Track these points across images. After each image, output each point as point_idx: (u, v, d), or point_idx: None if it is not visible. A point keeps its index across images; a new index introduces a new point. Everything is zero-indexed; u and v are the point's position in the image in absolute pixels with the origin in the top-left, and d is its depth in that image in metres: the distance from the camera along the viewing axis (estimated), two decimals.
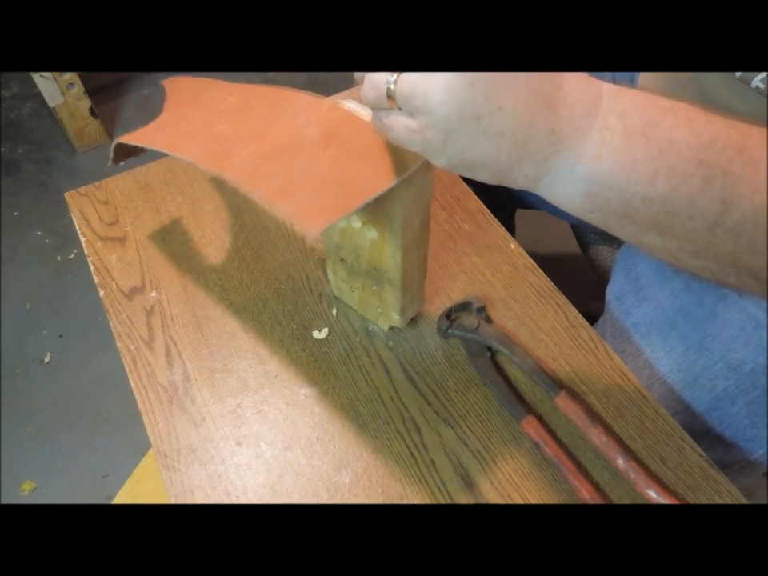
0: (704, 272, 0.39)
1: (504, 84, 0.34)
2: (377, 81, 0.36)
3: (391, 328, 0.59)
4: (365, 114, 0.46)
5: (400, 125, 0.37)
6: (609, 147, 0.35)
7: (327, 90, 0.51)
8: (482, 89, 0.34)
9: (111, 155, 0.55)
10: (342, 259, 0.57)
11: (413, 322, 0.60)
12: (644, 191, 0.35)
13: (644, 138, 0.35)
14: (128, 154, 0.55)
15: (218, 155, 0.46)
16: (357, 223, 0.51)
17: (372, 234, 0.50)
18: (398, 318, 0.57)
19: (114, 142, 0.54)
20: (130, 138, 0.52)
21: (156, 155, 0.74)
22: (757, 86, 0.50)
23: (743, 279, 0.38)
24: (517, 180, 0.37)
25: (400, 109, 0.36)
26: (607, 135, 0.35)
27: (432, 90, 0.34)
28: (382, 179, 0.43)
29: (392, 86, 0.36)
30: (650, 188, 0.35)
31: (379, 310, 0.58)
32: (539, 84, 0.35)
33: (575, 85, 0.36)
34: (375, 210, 0.48)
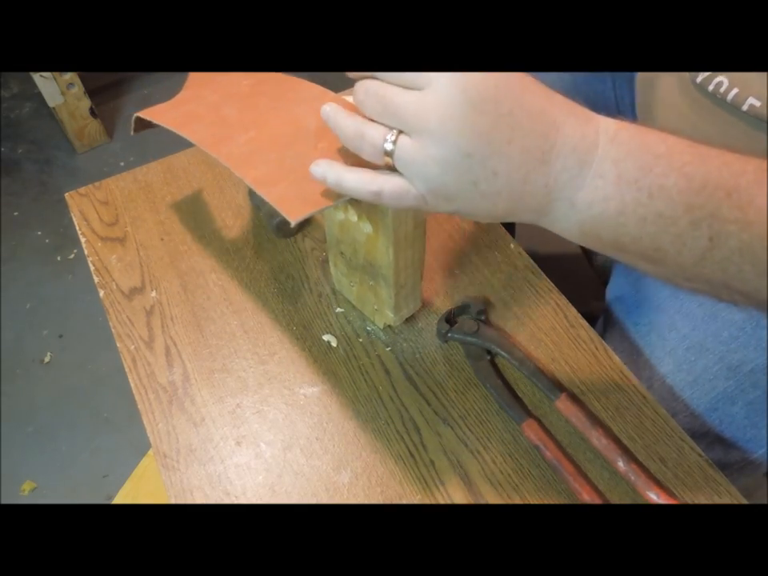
0: (698, 292, 0.41)
1: (499, 152, 0.35)
2: (374, 139, 0.37)
3: (388, 327, 0.59)
4: None
5: (401, 189, 0.38)
6: (601, 194, 0.36)
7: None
8: (479, 159, 0.35)
9: (132, 125, 0.57)
10: (341, 252, 0.57)
11: (412, 322, 0.60)
12: (633, 232, 0.37)
13: (635, 185, 0.36)
14: (147, 126, 0.57)
15: (218, 138, 0.48)
16: (353, 217, 0.51)
17: (367, 228, 0.51)
18: (392, 316, 0.57)
19: (134, 116, 0.56)
20: (148, 113, 0.55)
21: (157, 154, 0.74)
22: (751, 105, 0.51)
23: (735, 298, 0.39)
24: (518, 220, 0.40)
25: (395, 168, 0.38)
26: (600, 183, 0.36)
27: (431, 162, 0.35)
28: None
29: (390, 147, 0.37)
30: (639, 229, 0.37)
31: (375, 307, 0.58)
32: (533, 144, 0.36)
33: (571, 134, 0.36)
34: (368, 204, 0.48)
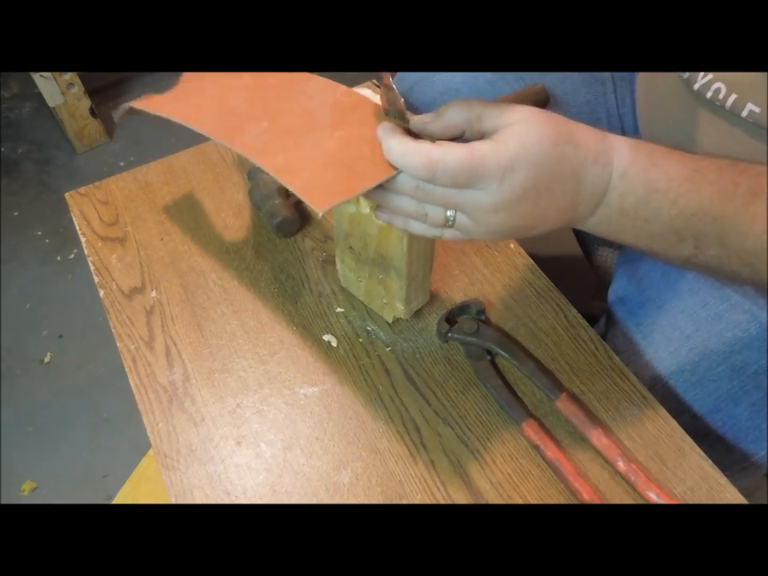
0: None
1: (539, 218, 0.43)
2: (436, 218, 0.44)
3: (396, 320, 0.59)
4: (377, 100, 0.46)
5: (450, 235, 0.45)
6: (605, 219, 0.45)
7: None
8: (522, 227, 0.44)
9: (119, 114, 0.53)
10: (350, 247, 0.57)
11: (413, 321, 0.60)
12: (630, 240, 0.46)
13: (634, 214, 0.44)
14: (133, 112, 0.53)
15: (230, 129, 0.47)
16: (366, 209, 0.51)
17: None
18: (403, 308, 0.57)
19: (127, 105, 0.52)
20: (144, 104, 0.51)
21: (157, 154, 0.74)
22: (750, 111, 0.51)
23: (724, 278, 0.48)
24: None
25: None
26: (605, 211, 0.44)
27: (483, 232, 0.43)
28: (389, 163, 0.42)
29: (450, 222, 0.43)
30: (634, 239, 0.46)
31: (384, 301, 0.58)
32: (564, 202, 0.43)
33: (591, 186, 0.43)
34: None
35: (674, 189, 0.43)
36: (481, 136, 0.43)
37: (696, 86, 0.55)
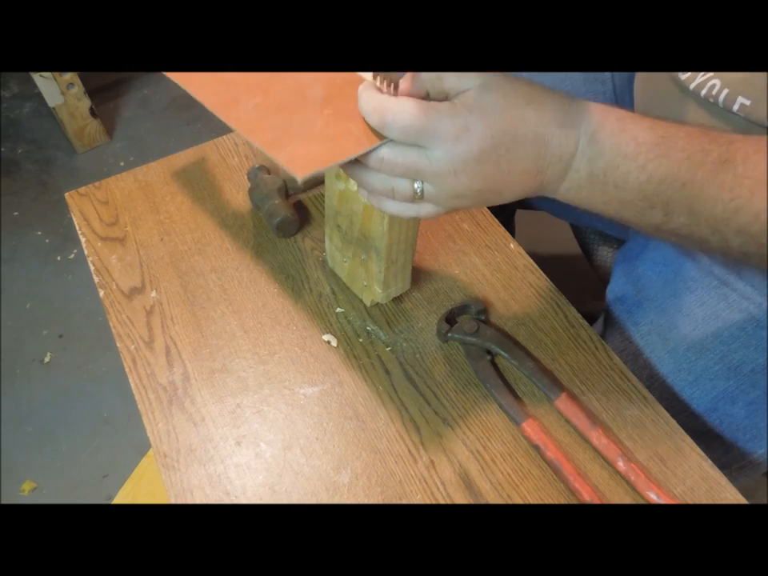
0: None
1: (502, 181, 0.43)
2: (404, 192, 0.44)
3: (375, 305, 0.59)
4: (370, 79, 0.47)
5: (425, 212, 0.46)
6: (575, 185, 0.45)
7: None
8: (487, 190, 0.44)
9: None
10: (338, 226, 0.57)
11: (412, 321, 0.60)
12: (601, 207, 0.46)
13: (603, 179, 0.44)
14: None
15: (225, 99, 0.47)
16: (354, 186, 0.51)
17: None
18: (380, 292, 0.57)
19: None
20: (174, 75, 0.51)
21: (157, 154, 0.74)
22: (741, 104, 0.52)
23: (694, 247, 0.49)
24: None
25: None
26: (575, 176, 0.45)
27: (450, 198, 0.44)
28: (374, 136, 0.43)
29: (418, 194, 0.44)
30: (605, 206, 0.46)
31: (364, 283, 0.59)
32: (529, 165, 0.43)
33: (557, 148, 0.43)
34: None
35: (643, 154, 0.43)
36: (444, 98, 0.43)
37: (692, 86, 0.56)
